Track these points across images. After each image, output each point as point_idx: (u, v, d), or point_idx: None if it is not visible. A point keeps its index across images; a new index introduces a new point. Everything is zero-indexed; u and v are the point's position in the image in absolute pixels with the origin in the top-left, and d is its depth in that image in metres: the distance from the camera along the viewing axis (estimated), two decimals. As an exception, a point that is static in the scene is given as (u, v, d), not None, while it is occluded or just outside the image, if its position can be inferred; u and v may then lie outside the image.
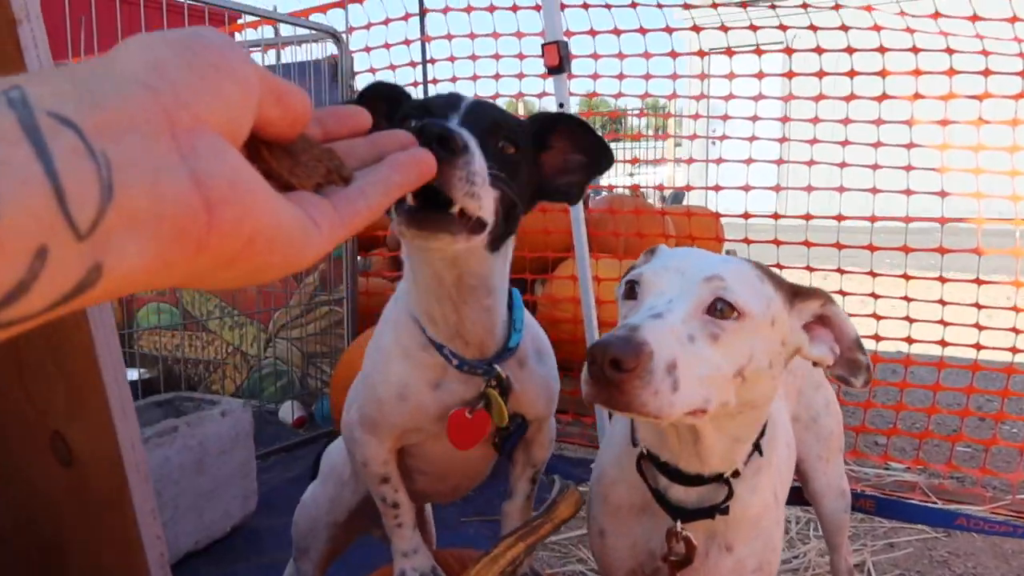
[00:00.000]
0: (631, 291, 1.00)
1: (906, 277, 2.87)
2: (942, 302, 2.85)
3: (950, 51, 2.75)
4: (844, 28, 2.85)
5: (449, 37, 3.56)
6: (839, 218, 2.91)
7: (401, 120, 1.04)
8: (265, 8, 3.41)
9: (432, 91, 3.55)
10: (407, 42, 3.60)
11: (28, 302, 0.34)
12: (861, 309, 3.01)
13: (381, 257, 4.00)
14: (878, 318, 2.95)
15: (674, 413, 0.86)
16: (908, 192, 2.83)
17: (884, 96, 2.88)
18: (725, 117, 3.19)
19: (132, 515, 1.29)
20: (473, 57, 3.49)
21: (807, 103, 3.00)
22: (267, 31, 4.01)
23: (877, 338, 2.97)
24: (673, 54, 3.20)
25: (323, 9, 3.73)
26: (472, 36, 3.48)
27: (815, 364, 1.05)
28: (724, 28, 3.01)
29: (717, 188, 3.13)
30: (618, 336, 0.85)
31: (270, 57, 3.81)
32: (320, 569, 1.62)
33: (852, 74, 2.90)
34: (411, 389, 1.23)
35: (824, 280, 3.02)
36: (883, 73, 2.85)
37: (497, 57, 3.45)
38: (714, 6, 2.89)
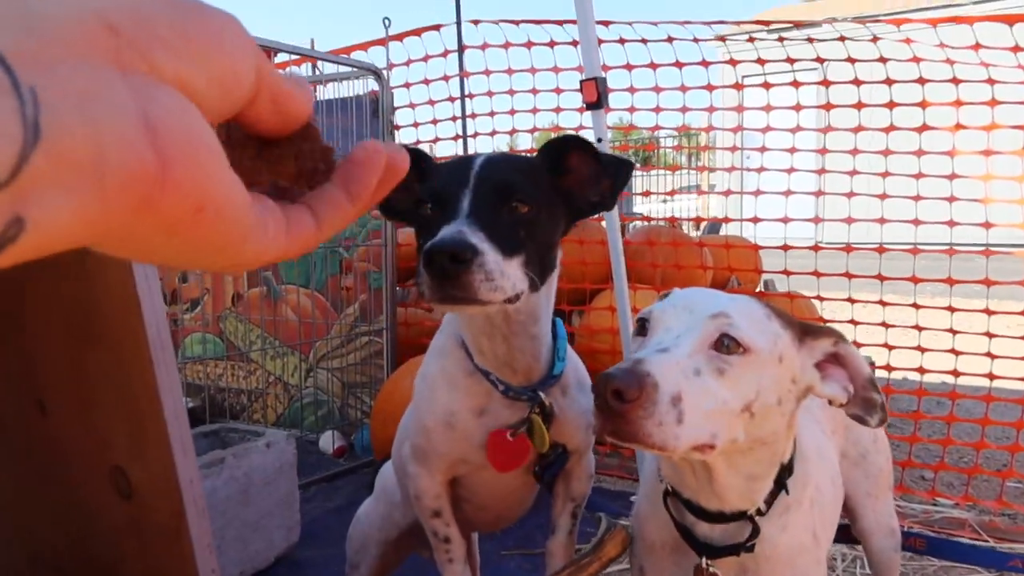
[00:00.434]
0: (641, 328, 1.02)
1: (951, 309, 2.83)
2: (989, 335, 2.80)
3: (991, 81, 2.73)
4: (883, 60, 2.85)
5: (487, 72, 3.63)
6: (880, 249, 2.89)
7: (417, 203, 1.10)
8: (305, 47, 3.51)
9: (471, 126, 3.61)
10: (446, 78, 3.67)
11: None
12: (905, 341, 2.97)
13: (419, 288, 4.04)
14: (923, 350, 2.90)
15: (680, 446, 0.88)
16: (951, 223, 2.80)
17: (924, 127, 2.86)
18: (763, 149, 3.20)
19: (189, 549, 1.32)
20: (511, 92, 3.55)
21: (846, 134, 3.00)
22: (309, 67, 4.13)
23: (922, 371, 2.92)
24: (710, 87, 3.23)
25: (364, 47, 3.82)
26: (510, 71, 3.55)
27: (830, 403, 1.06)
28: (761, 61, 3.03)
29: (756, 220, 3.13)
30: (621, 368, 0.88)
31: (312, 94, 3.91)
32: None
33: (891, 105, 2.89)
34: (457, 417, 1.26)
35: (865, 310, 3.00)
36: (923, 104, 2.84)
37: (534, 92, 3.50)
38: (750, 40, 2.91)
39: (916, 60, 2.80)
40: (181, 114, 0.33)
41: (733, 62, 3.16)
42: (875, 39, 2.80)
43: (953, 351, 2.83)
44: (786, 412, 1.00)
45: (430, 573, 1.60)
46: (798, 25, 3.84)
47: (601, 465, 3.17)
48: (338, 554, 2.61)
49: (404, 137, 3.99)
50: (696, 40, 3.11)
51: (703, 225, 5.47)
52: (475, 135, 3.68)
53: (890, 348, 2.92)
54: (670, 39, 3.13)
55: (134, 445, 1.33)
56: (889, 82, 2.89)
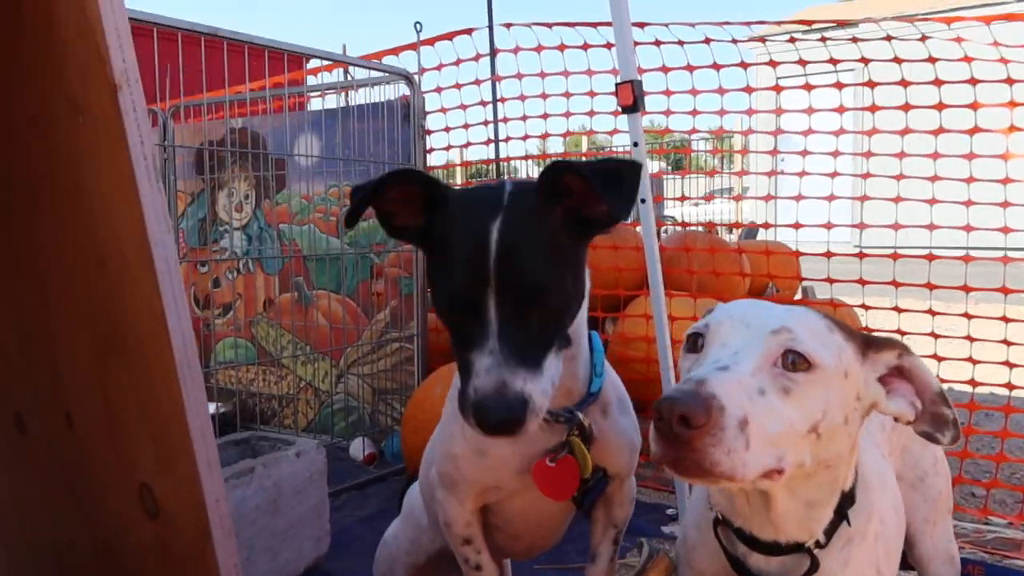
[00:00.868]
0: (694, 344, 0.96)
1: (1005, 319, 2.71)
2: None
3: (1048, 81, 2.62)
4: (932, 60, 2.74)
5: (519, 76, 3.58)
6: (930, 257, 2.78)
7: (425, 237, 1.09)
8: (337, 53, 3.50)
9: (502, 130, 3.56)
10: (477, 82, 3.63)
11: None
12: (956, 353, 2.85)
13: (450, 294, 4.00)
14: (974, 362, 2.78)
15: (748, 475, 0.82)
16: (1005, 230, 2.68)
17: (976, 129, 2.75)
18: (804, 153, 3.10)
19: (215, 569, 1.28)
20: (543, 96, 3.50)
21: (891, 137, 2.89)
22: (340, 73, 4.12)
23: (973, 383, 2.80)
24: (748, 89, 3.14)
25: (395, 52, 3.80)
26: (542, 75, 3.49)
27: (896, 420, 1.00)
28: (802, 62, 2.93)
29: (797, 225, 3.03)
30: (684, 391, 0.81)
31: (344, 99, 3.90)
32: None
33: (940, 107, 2.78)
34: (489, 442, 1.20)
35: (913, 320, 2.88)
36: (975, 106, 2.73)
37: (567, 95, 3.45)
38: (791, 40, 2.82)
39: (967, 60, 2.69)
40: None
41: (773, 63, 3.08)
42: (924, 38, 2.69)
43: (1007, 363, 2.71)
44: (852, 432, 0.94)
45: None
46: (841, 24, 3.73)
47: (636, 476, 3.09)
48: (368, 565, 2.56)
49: (435, 142, 3.96)
50: (735, 41, 3.03)
51: (739, 230, 5.35)
52: (507, 139, 3.64)
53: (939, 359, 2.81)
54: (707, 40, 3.05)
55: (160, 463, 1.30)
56: (938, 83, 2.78)
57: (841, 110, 3.01)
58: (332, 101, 4.13)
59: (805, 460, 0.88)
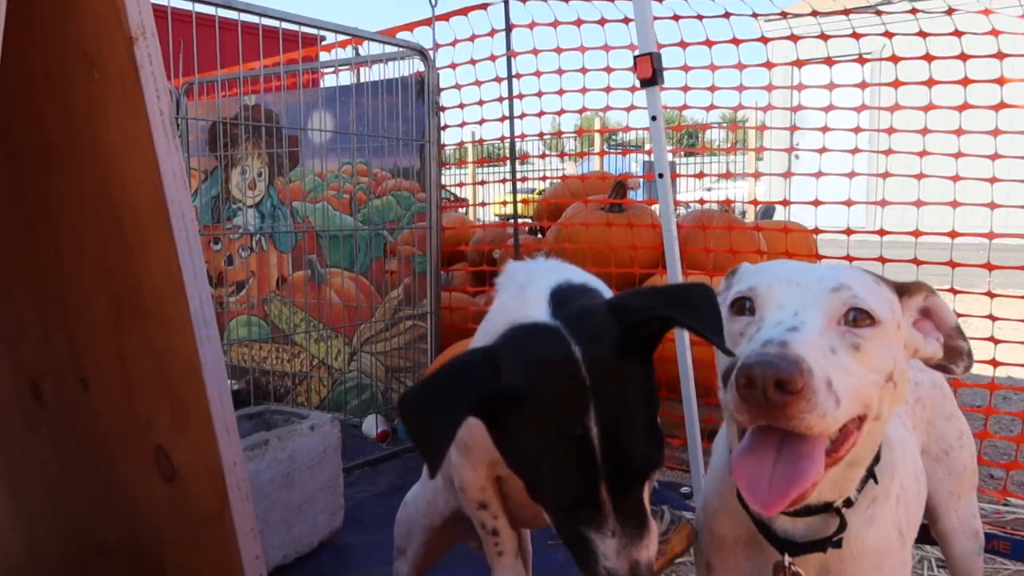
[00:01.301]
0: (741, 308, 0.93)
1: (1027, 298, 2.67)
2: (1069, 325, 2.64)
3: (1078, 55, 2.56)
4: (957, 34, 2.68)
5: (535, 52, 3.54)
6: (952, 234, 2.73)
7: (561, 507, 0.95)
8: (353, 27, 3.46)
9: (517, 106, 3.52)
10: (492, 58, 3.59)
11: None
12: (978, 332, 2.81)
13: (464, 272, 3.99)
14: (995, 341, 2.74)
15: (833, 431, 0.82)
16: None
17: (1002, 105, 2.69)
18: (825, 129, 3.05)
19: (232, 533, 1.27)
20: (559, 71, 3.46)
21: (915, 113, 2.84)
22: (354, 48, 4.09)
23: (994, 363, 2.76)
24: (768, 64, 3.09)
25: (410, 27, 3.76)
26: (558, 50, 3.45)
27: (923, 360, 1.01)
28: (824, 36, 2.88)
29: (816, 203, 2.98)
30: (771, 354, 0.78)
31: (357, 76, 3.88)
32: (416, 571, 1.59)
33: (966, 82, 2.72)
34: None
35: (934, 300, 2.84)
36: (1001, 80, 2.67)
37: (584, 71, 3.40)
38: (814, 14, 2.77)
39: (994, 33, 2.63)
40: None
41: (794, 38, 3.02)
42: (951, 11, 2.63)
43: (1029, 343, 2.67)
44: (907, 381, 0.95)
45: (480, 564, 1.54)
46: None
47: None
48: (382, 540, 2.58)
49: (449, 119, 3.92)
50: (755, 15, 2.97)
51: (757, 209, 5.29)
52: (522, 116, 3.60)
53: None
54: (727, 14, 3.00)
55: (177, 425, 1.29)
56: (964, 57, 2.71)
57: (863, 86, 2.96)
58: (346, 78, 4.10)
59: (884, 410, 0.89)
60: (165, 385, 1.29)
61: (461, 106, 3.84)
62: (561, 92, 3.48)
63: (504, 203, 3.64)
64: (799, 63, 3.03)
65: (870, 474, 0.99)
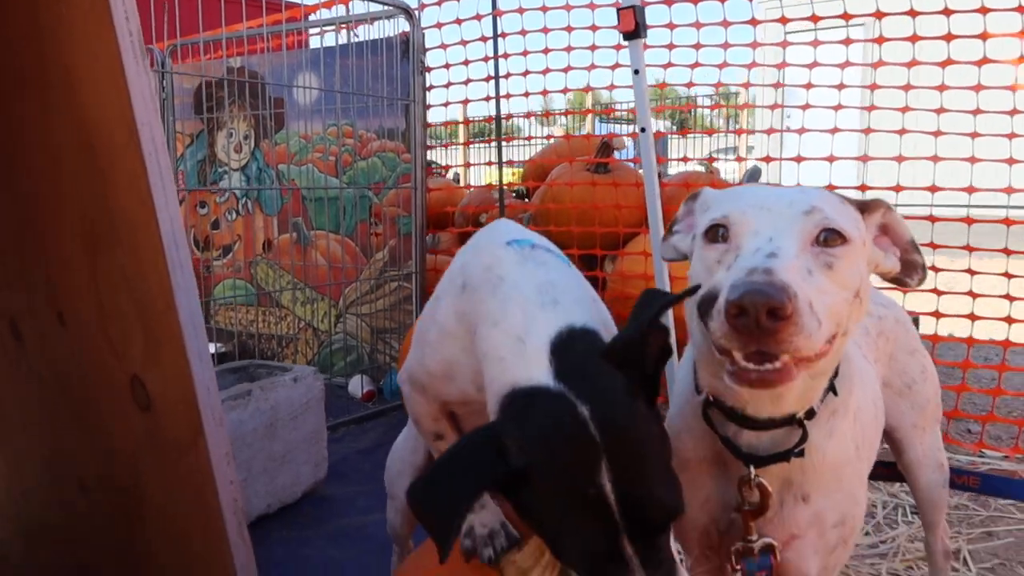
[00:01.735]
0: (716, 235, 0.94)
1: (1007, 252, 2.69)
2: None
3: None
4: (947, 12, 2.68)
5: (521, 11, 3.52)
6: (932, 189, 2.75)
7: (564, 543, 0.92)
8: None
9: (503, 66, 3.50)
10: (478, 17, 3.57)
11: None
12: (956, 287, 2.84)
13: (450, 234, 3.99)
14: (974, 296, 2.77)
15: (815, 351, 0.84)
16: (1009, 190, 2.66)
17: (985, 60, 2.70)
18: (806, 107, 3.06)
19: (207, 459, 1.29)
20: (545, 30, 3.44)
21: (899, 70, 2.84)
22: (340, 9, 4.05)
23: (972, 317, 2.79)
24: (754, 44, 3.09)
25: (395, -14, 3.72)
26: (544, 8, 3.43)
27: (880, 275, 1.03)
28: (815, 18, 2.89)
29: (799, 159, 2.99)
30: (759, 282, 0.80)
31: (343, 36, 3.85)
32: (408, 517, 1.60)
33: (949, 38, 2.73)
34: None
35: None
36: (984, 36, 2.67)
37: (569, 30, 3.38)
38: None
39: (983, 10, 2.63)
40: None
41: (784, 20, 3.02)
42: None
43: (1008, 296, 2.70)
44: (869, 295, 0.97)
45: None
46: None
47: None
48: (365, 492, 2.61)
49: (435, 80, 3.90)
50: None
51: (745, 170, 5.29)
52: (507, 75, 3.58)
53: (939, 293, 2.79)
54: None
55: (150, 352, 1.30)
56: (947, 12, 2.72)
57: (847, 42, 2.95)
58: (331, 39, 4.07)
59: (851, 326, 0.91)
60: (139, 313, 1.30)
61: (447, 66, 3.82)
62: (547, 51, 3.47)
63: (491, 164, 3.64)
64: (783, 20, 3.03)
65: (831, 386, 1.01)
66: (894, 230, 1.02)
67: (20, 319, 1.59)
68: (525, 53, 3.51)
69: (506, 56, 3.54)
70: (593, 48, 3.34)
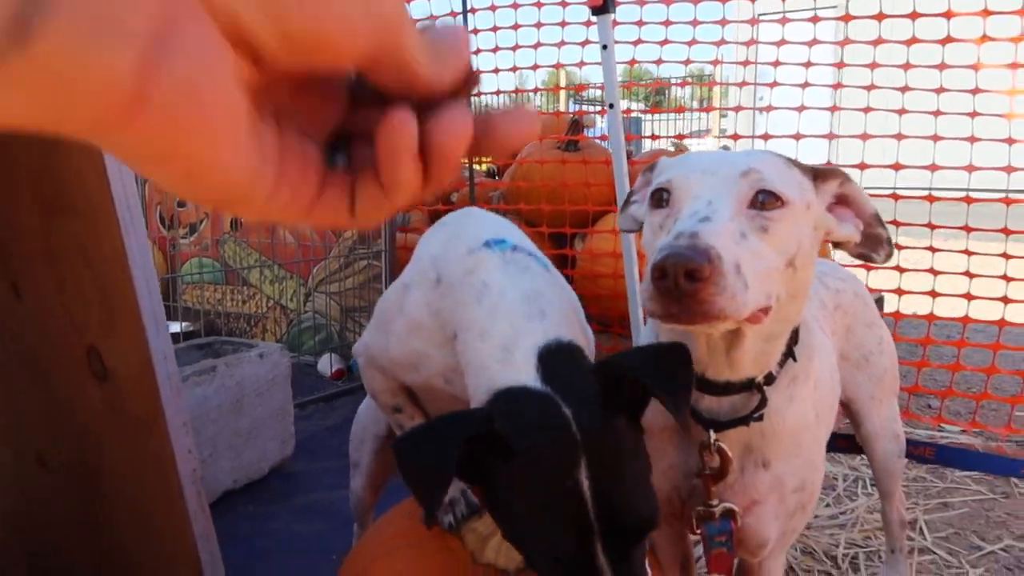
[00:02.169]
0: (659, 200, 0.95)
1: (967, 229, 2.74)
2: (1006, 256, 2.72)
3: None
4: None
5: (490, -16, 3.49)
6: (896, 167, 2.79)
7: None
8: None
9: (472, 42, 3.47)
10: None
11: None
12: (920, 264, 2.88)
13: (420, 212, 3.97)
14: (935, 273, 2.82)
15: (745, 314, 0.84)
16: (971, 168, 2.69)
17: (948, 39, 2.73)
18: (773, 84, 3.07)
19: (164, 427, 1.28)
20: (515, 6, 3.41)
21: (865, 47, 2.87)
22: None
23: (934, 294, 2.84)
24: (723, 22, 3.09)
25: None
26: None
27: (836, 246, 1.04)
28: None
29: (766, 137, 3.01)
30: (681, 246, 0.81)
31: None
32: (371, 486, 1.60)
33: (914, 16, 2.75)
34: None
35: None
36: (948, 15, 2.70)
37: (539, 5, 3.37)
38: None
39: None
40: (194, 64, 0.28)
41: None
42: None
43: (968, 274, 2.75)
44: (813, 262, 0.97)
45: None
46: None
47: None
48: (332, 468, 2.60)
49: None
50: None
51: (719, 147, 5.33)
52: (477, 51, 3.55)
53: (901, 271, 2.84)
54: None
55: (107, 321, 1.28)
56: (914, 16, 2.74)
57: (815, 20, 2.97)
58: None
59: (783, 294, 0.91)
60: (95, 282, 1.28)
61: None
62: (516, 27, 3.44)
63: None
64: (753, 21, 3.03)
65: (789, 352, 1.03)
66: (856, 202, 1.01)
67: (-27, 291, 1.55)
68: (495, 29, 3.48)
69: (476, 32, 3.51)
70: (563, 24, 3.33)
